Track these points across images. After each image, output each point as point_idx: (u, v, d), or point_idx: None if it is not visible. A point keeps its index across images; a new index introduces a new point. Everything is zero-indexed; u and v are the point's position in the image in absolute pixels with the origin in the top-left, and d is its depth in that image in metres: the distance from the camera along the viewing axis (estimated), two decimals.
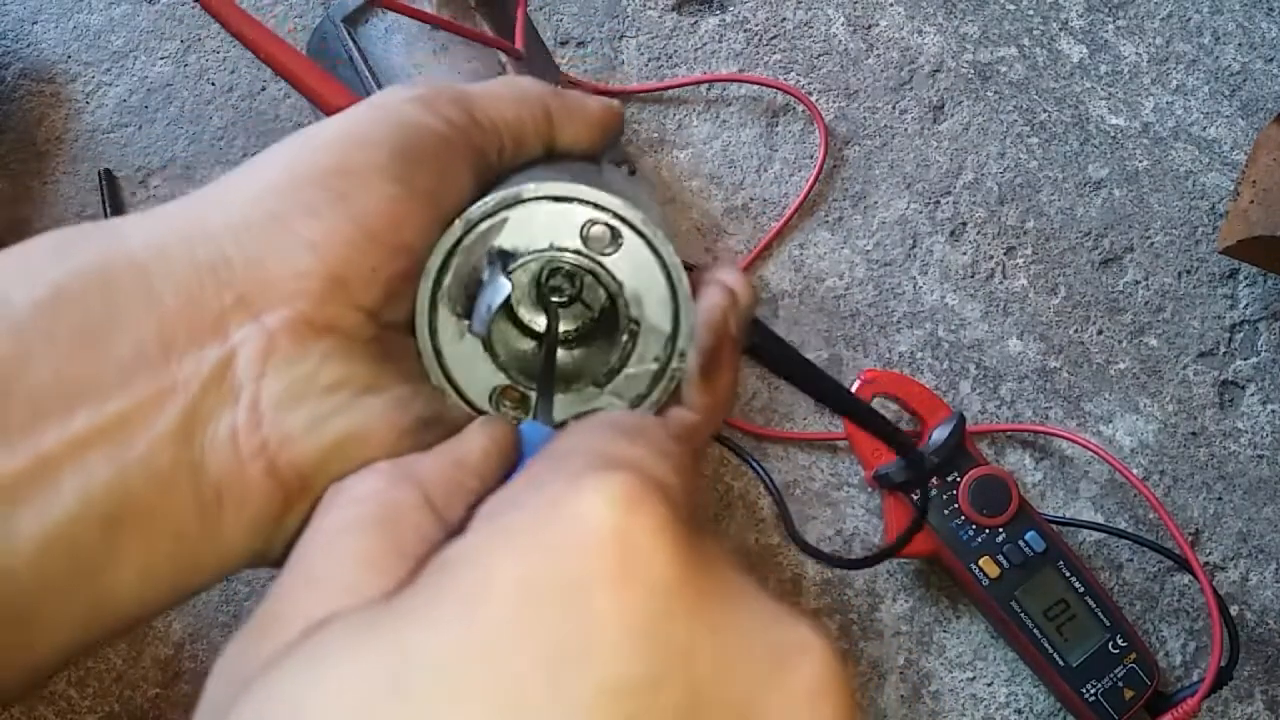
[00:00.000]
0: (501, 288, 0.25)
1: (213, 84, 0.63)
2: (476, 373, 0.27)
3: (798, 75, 0.62)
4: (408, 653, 0.16)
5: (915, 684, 0.57)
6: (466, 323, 0.26)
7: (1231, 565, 0.59)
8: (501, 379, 0.27)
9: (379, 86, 0.49)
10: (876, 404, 0.57)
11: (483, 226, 0.26)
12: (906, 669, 0.57)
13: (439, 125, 0.26)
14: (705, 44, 0.62)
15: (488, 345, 0.27)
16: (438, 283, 0.26)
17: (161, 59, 0.63)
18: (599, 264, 0.26)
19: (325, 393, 0.24)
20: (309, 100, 0.35)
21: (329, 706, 0.16)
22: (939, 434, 0.55)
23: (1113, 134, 0.62)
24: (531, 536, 0.18)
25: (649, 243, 0.26)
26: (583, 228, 0.26)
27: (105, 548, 0.22)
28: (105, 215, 0.60)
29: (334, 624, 0.18)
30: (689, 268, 0.27)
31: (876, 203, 0.61)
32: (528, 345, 0.29)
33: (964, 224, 0.61)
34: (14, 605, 0.21)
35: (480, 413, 0.27)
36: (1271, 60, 0.63)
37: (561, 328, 0.29)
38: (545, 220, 0.26)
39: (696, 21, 0.62)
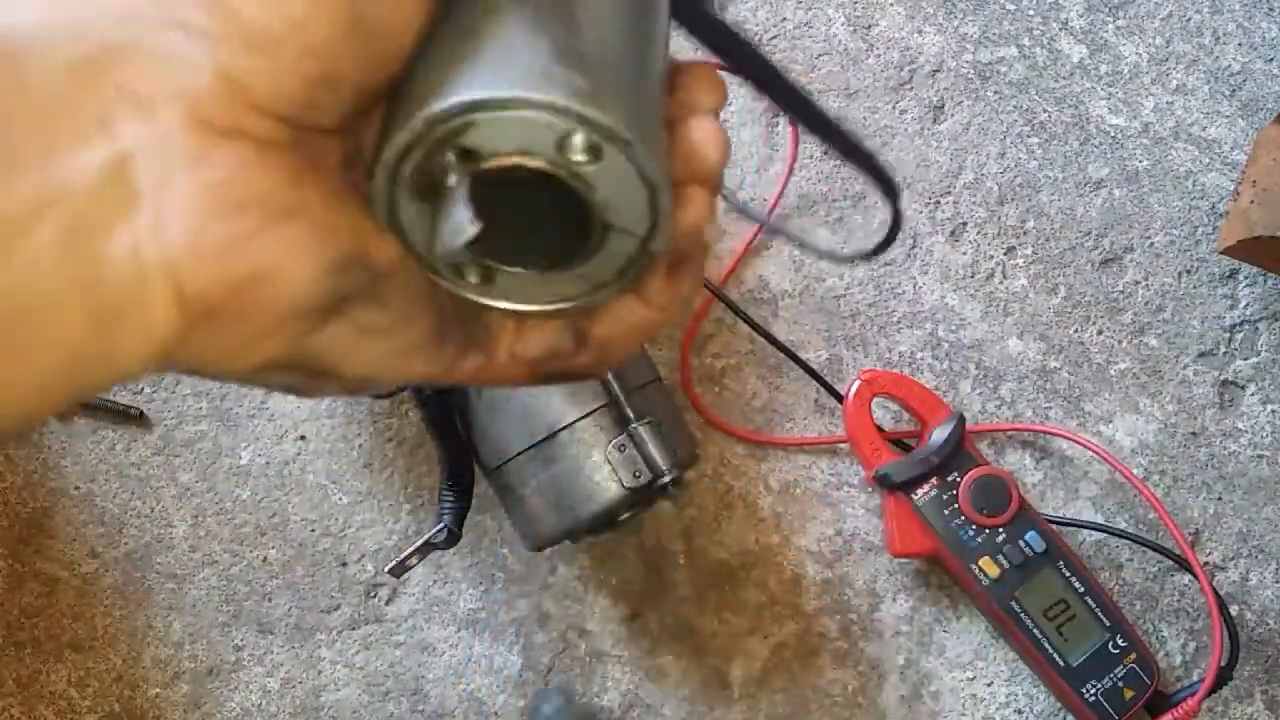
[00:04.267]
0: (466, 228, 0.23)
1: None
2: None
3: (797, 75, 0.62)
4: None
5: (915, 684, 0.57)
6: (427, 207, 0.24)
7: (1231, 565, 0.59)
8: (465, 255, 0.25)
9: None
10: (877, 404, 0.57)
11: (448, 126, 0.23)
12: (906, 669, 0.57)
13: None
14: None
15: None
16: (396, 170, 0.23)
17: None
18: (575, 174, 0.23)
19: (238, 210, 0.21)
20: None
21: None
22: (939, 434, 0.55)
23: (1113, 134, 0.62)
24: None
25: (633, 161, 0.23)
26: (560, 138, 0.23)
27: None
28: None
29: None
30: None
31: (876, 203, 0.61)
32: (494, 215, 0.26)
33: (964, 224, 0.61)
34: None
35: (444, 279, 0.26)
36: (1271, 60, 0.63)
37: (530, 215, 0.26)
38: (518, 127, 0.23)
39: None
